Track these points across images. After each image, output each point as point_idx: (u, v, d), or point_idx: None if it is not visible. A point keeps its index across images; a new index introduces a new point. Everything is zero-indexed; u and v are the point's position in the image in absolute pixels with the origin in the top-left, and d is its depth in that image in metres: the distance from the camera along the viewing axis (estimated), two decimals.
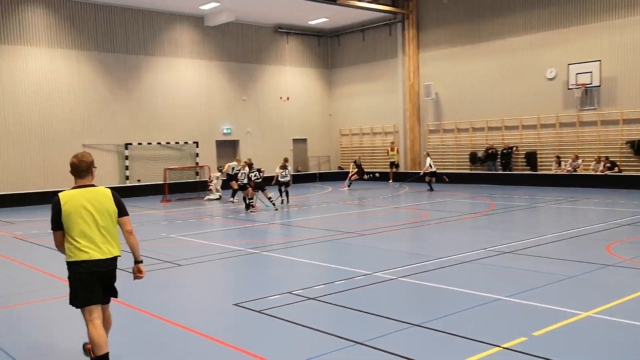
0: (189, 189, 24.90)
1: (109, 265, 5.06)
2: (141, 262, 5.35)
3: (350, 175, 25.77)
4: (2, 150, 21.45)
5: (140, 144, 24.76)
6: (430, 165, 23.21)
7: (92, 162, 5.20)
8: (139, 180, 24.66)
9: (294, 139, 30.60)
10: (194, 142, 26.48)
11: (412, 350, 5.45)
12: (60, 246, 5.04)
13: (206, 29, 26.88)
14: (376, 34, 29.73)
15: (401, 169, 28.50)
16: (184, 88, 26.30)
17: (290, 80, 30.28)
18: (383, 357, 5.33)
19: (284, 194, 19.39)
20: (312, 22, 29.36)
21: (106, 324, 5.25)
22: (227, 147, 28.23)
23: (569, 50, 22.64)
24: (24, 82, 21.94)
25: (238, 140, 28.38)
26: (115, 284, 5.25)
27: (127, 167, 24.34)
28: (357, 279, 8.36)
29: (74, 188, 5.12)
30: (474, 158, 25.77)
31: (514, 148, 24.38)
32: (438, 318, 6.37)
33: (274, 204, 18.08)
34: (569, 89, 22.35)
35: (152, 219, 16.77)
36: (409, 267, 9.12)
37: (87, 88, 23.47)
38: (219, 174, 22.46)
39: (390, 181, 27.59)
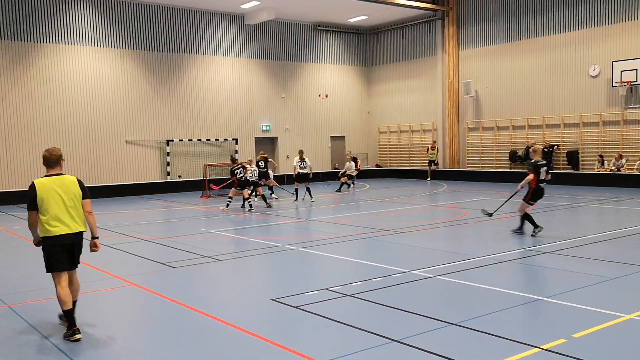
0: (228, 185, 25.22)
1: (75, 238, 6.23)
2: (97, 238, 6.44)
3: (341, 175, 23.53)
4: (49, 146, 22.13)
5: (181, 140, 25.26)
6: (349, 168, 23.34)
7: (60, 155, 6.31)
8: (179, 176, 25.17)
9: (332, 136, 30.69)
10: (233, 139, 26.85)
11: (449, 349, 5.47)
12: (33, 224, 6.16)
13: (247, 27, 27.20)
14: (415, 31, 29.54)
15: (440, 167, 28.27)
16: (225, 85, 26.70)
17: (329, 77, 30.38)
18: (420, 355, 5.36)
19: (305, 191, 19.46)
20: (352, 20, 29.37)
21: (73, 287, 6.39)
22: (266, 144, 28.51)
23: (613, 47, 22.06)
24: (70, 80, 22.65)
25: (277, 137, 28.64)
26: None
27: (168, 164, 24.86)
28: (394, 277, 8.39)
29: (45, 176, 6.19)
30: (513, 156, 25.38)
31: (555, 147, 23.91)
32: (476, 317, 6.36)
33: (248, 206, 17.43)
34: (613, 86, 21.79)
35: (192, 215, 17.11)
36: (447, 265, 9.11)
37: (130, 86, 24.08)
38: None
39: (429, 179, 27.40)
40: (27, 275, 9.45)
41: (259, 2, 24.83)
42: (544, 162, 11.69)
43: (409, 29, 29.79)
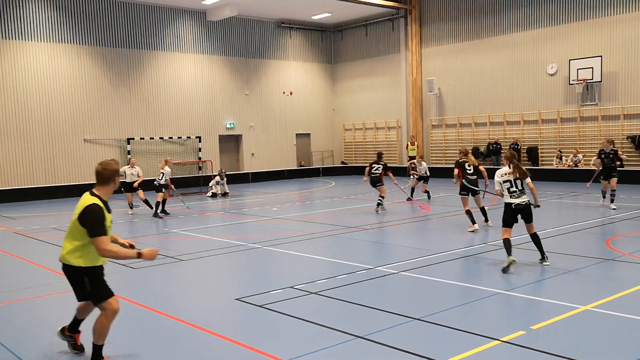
0: (192, 183, 24.96)
1: (64, 269, 5.23)
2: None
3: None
4: (3, 146, 21.54)
5: (142, 138, 24.84)
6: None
7: (114, 172, 5.26)
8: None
9: (297, 134, 30.65)
10: (196, 137, 26.55)
11: (413, 344, 5.53)
12: None
13: (209, 23, 26.90)
14: (379, 29, 29.72)
15: (402, 164, 28.48)
16: (187, 83, 26.36)
17: (293, 75, 30.31)
18: (384, 350, 5.40)
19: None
20: (315, 17, 29.36)
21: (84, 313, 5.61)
22: (230, 142, 28.31)
23: (570, 45, 22.64)
24: (25, 77, 22.01)
25: (241, 135, 28.44)
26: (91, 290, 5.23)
27: (129, 162, 24.35)
28: (359, 274, 8.43)
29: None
30: (476, 153, 25.77)
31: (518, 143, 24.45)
32: (439, 312, 6.45)
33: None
34: (570, 84, 22.37)
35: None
36: (411, 261, 9.19)
37: (88, 83, 23.54)
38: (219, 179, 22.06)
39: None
40: None
41: None
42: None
43: (373, 26, 29.95)
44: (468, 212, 12.02)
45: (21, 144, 21.91)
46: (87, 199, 5.09)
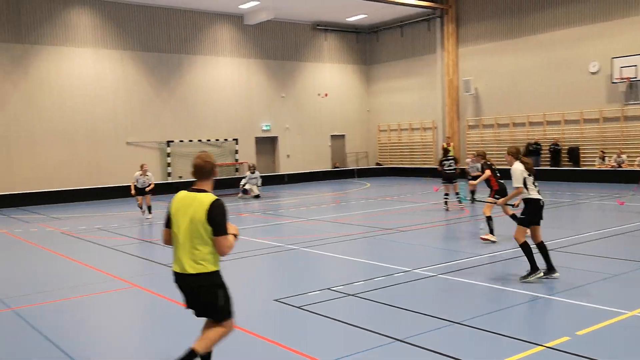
0: (229, 185, 25.22)
1: (183, 282, 4.61)
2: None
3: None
4: (49, 148, 22.20)
5: (181, 141, 25.25)
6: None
7: (213, 165, 4.72)
8: (180, 177, 25.14)
9: (332, 135, 30.67)
10: (233, 139, 26.85)
11: (453, 348, 5.47)
12: (165, 243, 4.83)
13: (245, 27, 27.19)
14: (415, 29, 29.52)
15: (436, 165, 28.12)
16: (224, 86, 26.70)
17: (329, 76, 30.36)
18: (423, 354, 5.37)
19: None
20: (351, 19, 29.35)
21: (205, 334, 4.76)
22: (267, 144, 28.53)
23: (612, 43, 22.03)
24: (70, 82, 22.65)
25: (277, 137, 28.64)
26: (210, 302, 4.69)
27: (169, 164, 24.85)
28: (397, 276, 8.39)
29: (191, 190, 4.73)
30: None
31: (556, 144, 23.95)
32: (479, 316, 6.36)
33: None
34: (613, 82, 21.77)
35: None
36: (449, 264, 9.11)
37: (130, 87, 24.07)
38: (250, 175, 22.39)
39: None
40: (32, 278, 9.45)
41: (258, 3, 24.82)
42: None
43: (408, 27, 29.76)
44: (490, 219, 11.09)
45: (67, 147, 22.54)
46: (205, 197, 4.53)
